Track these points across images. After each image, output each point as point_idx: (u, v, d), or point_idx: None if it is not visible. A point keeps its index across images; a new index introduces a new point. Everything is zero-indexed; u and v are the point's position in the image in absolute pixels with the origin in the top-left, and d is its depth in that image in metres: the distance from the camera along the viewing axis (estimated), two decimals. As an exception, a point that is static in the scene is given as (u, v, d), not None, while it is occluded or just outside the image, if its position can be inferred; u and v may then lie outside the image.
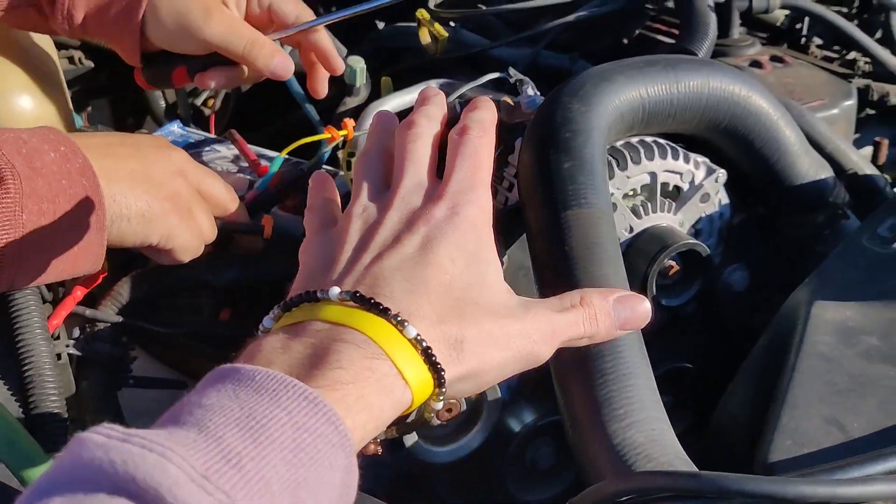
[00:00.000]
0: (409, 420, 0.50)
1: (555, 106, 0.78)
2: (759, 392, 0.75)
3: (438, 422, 0.78)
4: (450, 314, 0.48)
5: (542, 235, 0.71)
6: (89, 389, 0.83)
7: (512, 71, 0.95)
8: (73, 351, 0.82)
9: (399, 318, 0.45)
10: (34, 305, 0.73)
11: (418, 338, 0.45)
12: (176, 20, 0.85)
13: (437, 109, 0.58)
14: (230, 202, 0.86)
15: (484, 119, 0.56)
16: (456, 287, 0.49)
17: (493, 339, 0.48)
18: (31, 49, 1.01)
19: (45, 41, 1.07)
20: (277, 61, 0.89)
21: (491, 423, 0.81)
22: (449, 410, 0.78)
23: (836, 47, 1.29)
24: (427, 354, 0.45)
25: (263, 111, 1.41)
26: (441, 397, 0.47)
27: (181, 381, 0.92)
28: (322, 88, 0.90)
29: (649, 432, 0.61)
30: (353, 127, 0.98)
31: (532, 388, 0.86)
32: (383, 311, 0.46)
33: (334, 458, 0.40)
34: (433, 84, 1.18)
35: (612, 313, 0.52)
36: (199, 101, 1.44)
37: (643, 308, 0.53)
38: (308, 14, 0.95)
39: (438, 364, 0.46)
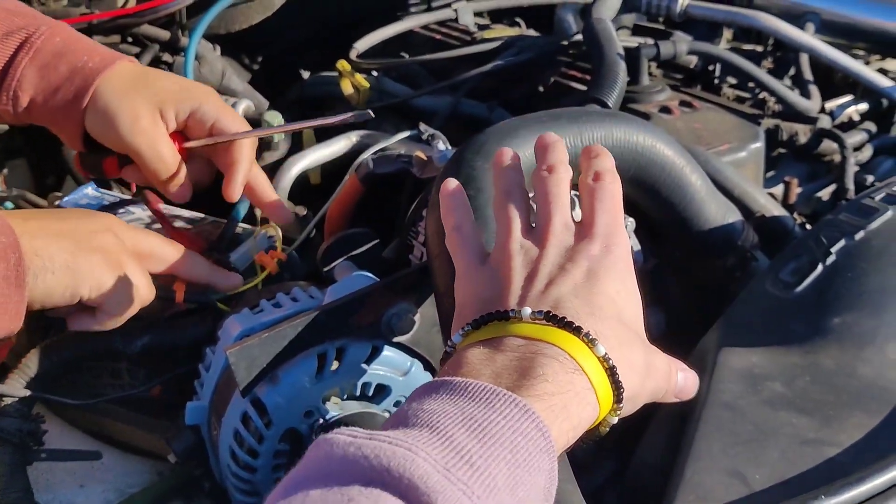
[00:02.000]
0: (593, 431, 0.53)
1: (458, 164, 0.79)
2: (671, 440, 0.75)
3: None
4: (625, 341, 0.52)
5: (448, 295, 0.71)
6: (-4, 467, 0.80)
7: (423, 126, 0.96)
8: (-23, 429, 0.80)
9: (590, 337, 0.50)
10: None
11: (606, 356, 0.49)
12: (107, 119, 0.86)
13: (566, 154, 0.62)
14: (171, 254, 0.85)
15: (612, 167, 0.60)
16: (625, 317, 0.54)
17: (649, 369, 0.54)
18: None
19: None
20: (177, 190, 0.90)
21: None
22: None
23: (751, 84, 1.32)
24: (612, 373, 0.50)
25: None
26: (618, 412, 0.51)
27: (95, 451, 0.89)
28: (234, 193, 0.89)
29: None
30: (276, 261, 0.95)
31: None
32: (576, 330, 0.50)
33: (542, 462, 0.44)
34: (353, 136, 1.18)
35: (675, 379, 0.58)
36: (122, 158, 1.42)
37: (695, 384, 0.59)
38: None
39: (621, 383, 0.50)
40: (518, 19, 1.62)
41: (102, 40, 1.19)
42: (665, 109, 1.08)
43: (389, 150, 1.02)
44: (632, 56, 1.11)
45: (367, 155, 0.98)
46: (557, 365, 0.48)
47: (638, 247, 0.91)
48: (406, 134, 1.00)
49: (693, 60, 1.29)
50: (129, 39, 1.23)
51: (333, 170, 1.21)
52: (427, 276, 0.79)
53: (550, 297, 0.52)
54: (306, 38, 1.63)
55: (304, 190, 1.19)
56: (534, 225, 0.59)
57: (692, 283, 0.94)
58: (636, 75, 1.11)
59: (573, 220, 0.59)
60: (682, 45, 1.15)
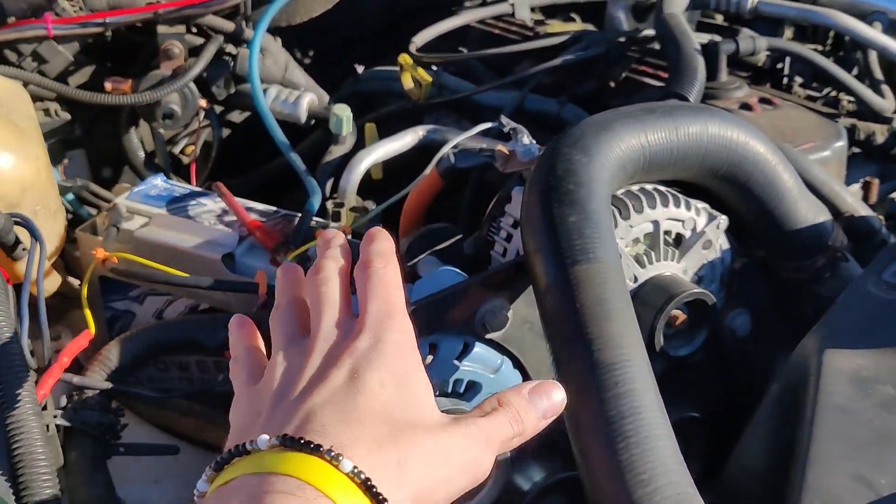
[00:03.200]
0: None
1: (555, 157, 0.77)
2: (774, 444, 0.73)
3: None
4: (387, 437, 0.46)
5: (550, 292, 0.69)
6: (78, 461, 0.79)
7: (504, 119, 0.94)
8: (61, 421, 0.78)
9: (333, 454, 0.44)
10: (24, 377, 0.70)
11: (355, 470, 0.44)
12: None
13: (340, 251, 0.58)
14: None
15: (384, 249, 0.56)
16: (389, 410, 0.48)
17: (435, 456, 0.48)
18: (8, 104, 0.98)
19: (21, 94, 1.05)
20: None
21: (501, 484, 0.78)
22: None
23: (815, 84, 1.30)
24: (367, 486, 0.44)
25: (246, 158, 1.38)
26: None
27: (173, 446, 0.88)
28: None
29: (675, 497, 0.59)
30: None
31: (536, 444, 0.83)
32: (315, 449, 0.44)
33: None
34: (420, 131, 1.16)
35: (531, 406, 0.53)
36: (177, 150, 1.41)
37: (558, 395, 0.55)
38: None
39: (381, 495, 0.44)
40: (573, 14, 1.60)
41: (168, 30, 1.18)
42: (745, 106, 1.06)
43: (465, 145, 1.00)
44: (710, 51, 1.09)
45: (447, 149, 0.96)
46: (290, 499, 0.42)
47: (727, 245, 0.89)
48: (485, 126, 0.98)
49: (761, 58, 1.27)
50: (194, 30, 1.22)
51: (392, 165, 1.20)
52: (521, 272, 0.77)
53: (300, 413, 0.47)
54: (358, 32, 1.62)
55: (365, 185, 1.18)
56: None
57: (779, 284, 0.92)
58: (714, 71, 1.09)
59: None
60: (760, 41, 1.13)
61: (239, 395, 0.53)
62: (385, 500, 0.44)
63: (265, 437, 0.45)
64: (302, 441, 0.44)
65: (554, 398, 0.54)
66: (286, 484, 0.42)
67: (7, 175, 0.90)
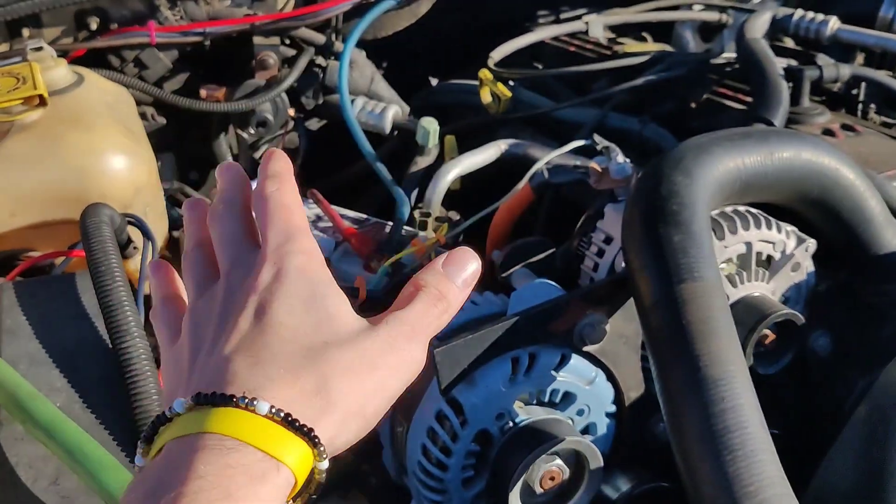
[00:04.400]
0: (305, 489, 0.45)
1: (658, 178, 0.79)
2: (862, 463, 0.75)
3: (543, 488, 0.78)
4: (303, 366, 0.45)
5: (657, 309, 0.72)
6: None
7: (598, 137, 0.97)
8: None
9: (246, 400, 0.43)
10: (151, 370, 0.74)
11: (273, 410, 0.42)
12: None
13: (230, 185, 0.55)
14: None
15: (277, 170, 0.54)
16: (300, 335, 0.46)
17: (358, 367, 0.46)
18: (119, 108, 1.03)
19: (128, 99, 1.09)
20: None
21: (592, 492, 0.81)
22: (552, 479, 0.78)
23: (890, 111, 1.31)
24: (289, 423, 0.43)
25: (330, 163, 1.42)
26: (324, 456, 0.44)
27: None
28: None
29: (780, 509, 0.62)
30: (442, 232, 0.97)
31: (624, 454, 0.86)
32: (228, 400, 0.43)
33: None
34: (503, 145, 1.20)
35: (449, 280, 0.51)
36: (257, 155, 1.45)
37: (473, 262, 0.52)
38: None
39: (305, 426, 0.43)
40: (644, 34, 1.63)
41: (263, 41, 1.22)
42: (828, 132, 1.08)
43: (558, 162, 1.03)
44: (794, 77, 1.12)
45: (540, 164, 0.99)
46: (210, 453, 0.41)
47: (812, 268, 0.91)
48: (577, 144, 1.01)
49: (838, 84, 1.29)
50: (287, 42, 1.26)
51: (472, 177, 1.23)
52: (620, 288, 0.80)
53: (210, 367, 0.46)
54: (430, 45, 1.65)
55: (446, 196, 1.21)
56: None
57: (861, 307, 0.94)
58: (797, 96, 1.12)
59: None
60: (844, 69, 1.15)
61: (164, 357, 0.53)
62: (311, 430, 0.43)
63: (181, 400, 0.44)
64: (214, 394, 0.43)
65: (468, 268, 0.52)
66: (206, 440, 0.42)
67: (122, 176, 0.95)
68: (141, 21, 1.19)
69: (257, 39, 1.22)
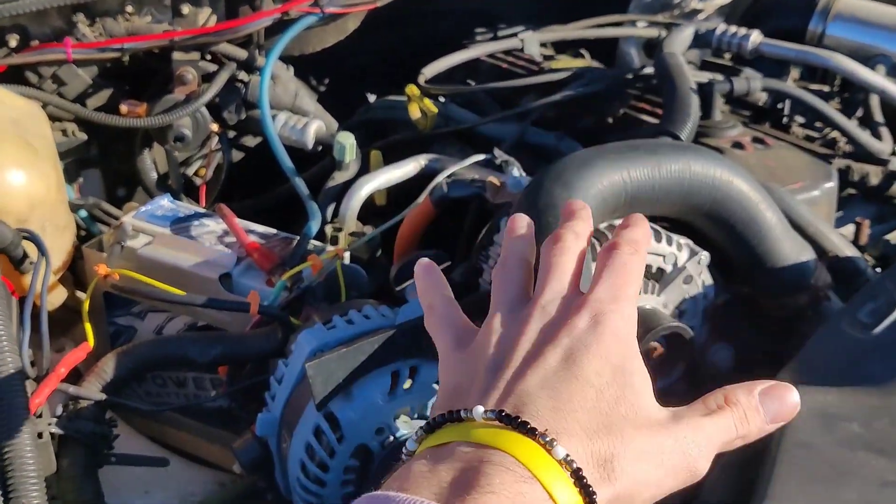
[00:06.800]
0: None
1: (538, 191, 0.79)
2: (740, 482, 0.74)
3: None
4: (598, 430, 0.45)
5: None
6: (70, 468, 0.82)
7: (497, 152, 0.97)
8: (55, 429, 0.81)
9: (547, 438, 0.43)
10: (18, 384, 0.73)
11: (568, 458, 0.43)
12: None
13: (584, 225, 0.56)
14: None
15: (637, 238, 0.54)
16: (603, 401, 0.46)
17: (646, 456, 0.45)
18: (24, 124, 1.02)
19: (37, 115, 1.09)
20: None
21: None
22: None
23: (818, 124, 1.31)
24: (577, 476, 0.43)
25: (253, 182, 1.42)
26: None
27: (163, 458, 0.91)
28: None
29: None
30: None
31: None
32: (530, 431, 0.44)
33: None
34: (422, 160, 1.19)
35: (760, 409, 0.49)
36: (190, 171, 1.45)
37: (792, 398, 0.49)
38: None
39: (590, 487, 0.43)
40: (582, 51, 1.63)
41: (182, 57, 1.22)
42: (737, 145, 1.08)
43: (460, 175, 1.03)
44: (705, 91, 1.12)
45: (440, 178, 0.99)
46: (505, 474, 0.42)
47: (710, 282, 0.91)
48: (478, 158, 1.01)
49: (762, 97, 1.29)
50: (208, 57, 1.26)
51: (397, 192, 1.23)
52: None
53: (515, 392, 0.46)
54: (372, 62, 1.66)
55: (369, 210, 1.21)
56: None
57: (762, 320, 0.94)
58: (708, 110, 1.12)
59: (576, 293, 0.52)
60: (755, 81, 1.15)
61: (446, 356, 0.53)
62: (594, 492, 0.43)
63: (481, 408, 0.45)
64: (518, 420, 0.44)
65: (786, 402, 0.49)
66: (501, 458, 0.43)
67: (17, 191, 0.94)
68: (60, 38, 1.19)
69: (177, 55, 1.22)
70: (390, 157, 1.27)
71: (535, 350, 0.48)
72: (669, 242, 0.87)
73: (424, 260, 0.58)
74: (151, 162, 1.32)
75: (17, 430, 0.71)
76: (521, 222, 0.57)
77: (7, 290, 0.84)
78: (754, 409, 0.49)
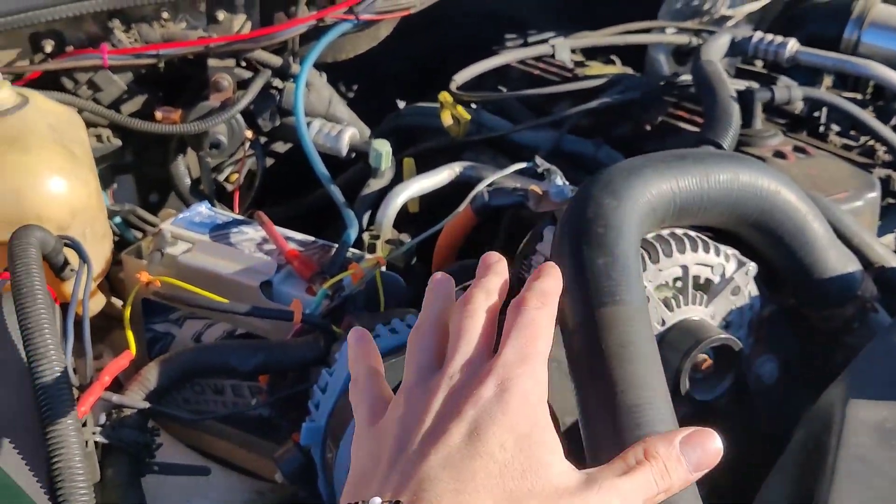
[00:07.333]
0: None
1: (586, 200, 0.78)
2: (796, 491, 0.74)
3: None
4: None
5: (577, 333, 0.71)
6: (114, 477, 0.82)
7: (539, 160, 0.96)
8: (99, 438, 0.81)
9: None
10: (67, 393, 0.73)
11: None
12: None
13: (496, 279, 0.54)
14: None
15: (546, 289, 0.52)
16: (508, 477, 0.44)
17: None
18: (62, 130, 1.02)
19: (75, 121, 1.09)
20: None
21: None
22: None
23: (853, 133, 1.30)
24: None
25: (288, 188, 1.42)
26: None
27: (205, 467, 0.91)
28: None
29: None
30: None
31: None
32: None
33: None
34: (457, 167, 1.19)
35: (682, 459, 0.47)
36: (221, 177, 1.45)
37: (714, 444, 0.48)
38: None
39: None
40: (613, 57, 1.62)
41: (218, 63, 1.22)
42: (779, 154, 1.07)
43: (500, 183, 1.02)
44: (745, 99, 1.11)
45: (481, 186, 0.98)
46: None
47: (756, 292, 0.90)
48: (519, 166, 1.01)
49: (799, 106, 1.28)
50: (243, 64, 1.26)
51: (430, 199, 1.23)
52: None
53: (416, 477, 0.44)
54: (403, 68, 1.65)
55: (403, 218, 1.20)
56: None
57: (808, 332, 0.93)
58: (749, 119, 1.11)
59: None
60: (796, 90, 1.14)
61: (359, 431, 0.51)
62: None
63: (377, 500, 0.43)
64: None
65: (708, 448, 0.48)
66: None
67: (59, 198, 0.94)
68: (95, 44, 1.19)
69: (212, 61, 1.22)
70: (421, 165, 1.27)
71: (439, 425, 0.47)
72: (717, 253, 0.86)
73: (357, 329, 0.56)
74: (185, 168, 1.32)
75: (66, 440, 0.71)
76: (442, 281, 0.55)
77: (51, 298, 0.84)
78: (675, 459, 0.47)
